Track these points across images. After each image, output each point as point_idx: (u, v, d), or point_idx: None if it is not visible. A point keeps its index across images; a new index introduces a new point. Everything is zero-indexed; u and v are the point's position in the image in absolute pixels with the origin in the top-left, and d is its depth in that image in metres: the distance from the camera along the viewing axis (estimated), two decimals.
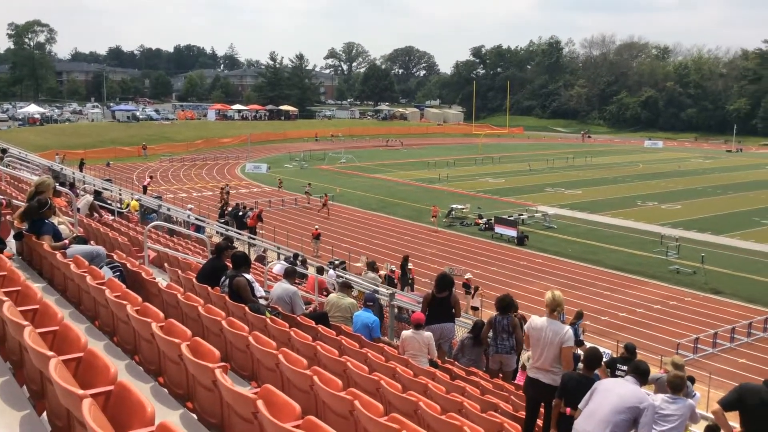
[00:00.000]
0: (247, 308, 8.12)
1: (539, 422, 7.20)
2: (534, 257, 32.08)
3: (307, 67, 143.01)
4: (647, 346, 20.35)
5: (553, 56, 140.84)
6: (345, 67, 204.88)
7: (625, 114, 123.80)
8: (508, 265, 30.66)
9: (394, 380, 6.95)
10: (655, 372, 10.17)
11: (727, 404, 6.45)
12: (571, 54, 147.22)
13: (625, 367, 10.00)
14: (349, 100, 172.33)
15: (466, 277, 24.32)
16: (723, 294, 26.58)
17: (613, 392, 5.91)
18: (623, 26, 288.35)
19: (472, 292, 23.12)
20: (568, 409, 6.39)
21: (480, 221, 38.53)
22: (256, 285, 10.32)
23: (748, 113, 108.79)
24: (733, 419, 6.59)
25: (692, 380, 11.79)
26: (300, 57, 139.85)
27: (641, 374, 6.19)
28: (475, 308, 22.32)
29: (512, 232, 35.23)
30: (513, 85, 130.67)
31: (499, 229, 36.09)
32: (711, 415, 7.06)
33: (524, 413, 7.47)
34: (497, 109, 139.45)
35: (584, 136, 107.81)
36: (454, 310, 10.20)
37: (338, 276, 16.98)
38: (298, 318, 9.29)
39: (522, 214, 40.53)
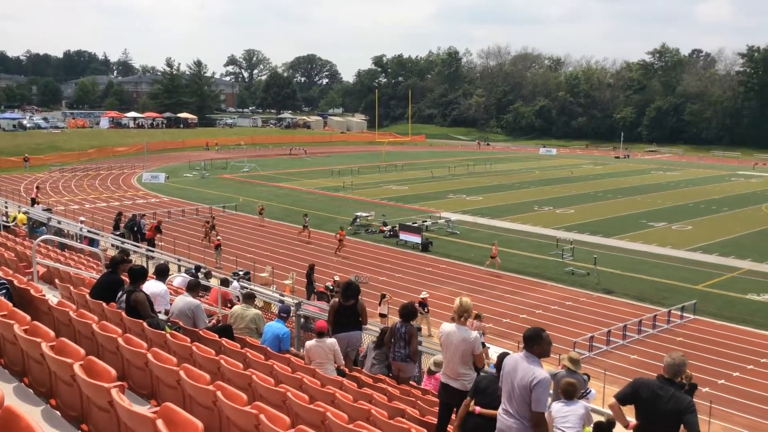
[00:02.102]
0: (145, 324, 7.79)
1: (450, 429, 7.28)
2: (438, 263, 32.63)
3: (206, 74, 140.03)
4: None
5: (452, 66, 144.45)
6: (246, 74, 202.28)
7: (521, 122, 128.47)
8: (413, 272, 31.03)
9: (301, 391, 6.86)
10: (552, 369, 10.52)
11: (622, 398, 6.72)
12: (469, 64, 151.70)
13: None
14: (250, 108, 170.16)
15: (422, 296, 23.85)
16: (615, 293, 27.92)
17: (514, 375, 6.10)
18: (517, 38, 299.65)
19: (379, 300, 23.20)
20: (477, 408, 6.50)
21: (385, 228, 38.82)
22: (163, 298, 9.95)
23: (633, 121, 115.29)
24: (629, 413, 6.90)
25: (588, 377, 12.28)
26: (198, 63, 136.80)
27: (531, 340, 6.30)
28: (383, 315, 22.42)
29: (417, 239, 35.70)
30: (414, 94, 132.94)
31: (403, 236, 36.49)
32: (608, 410, 7.35)
33: (432, 418, 7.55)
34: (400, 117, 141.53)
35: (480, 144, 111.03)
36: (361, 318, 10.18)
37: (242, 287, 16.63)
38: (201, 332, 9.01)
39: (426, 221, 41.16)
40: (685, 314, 24.77)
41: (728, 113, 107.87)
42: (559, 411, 6.95)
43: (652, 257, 33.97)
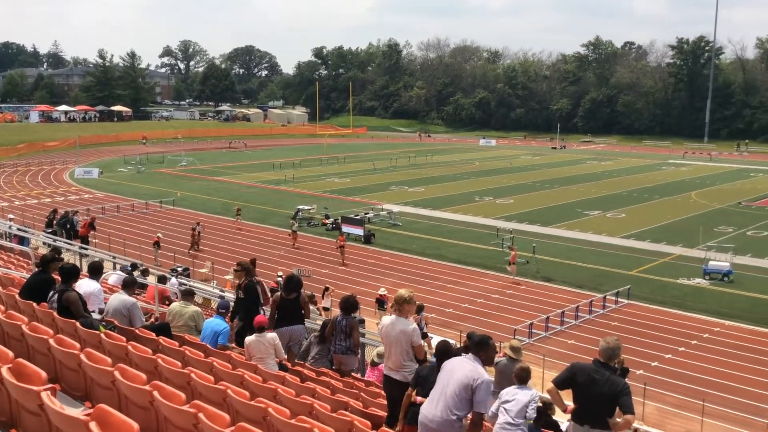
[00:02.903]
0: (78, 324, 7.54)
1: None
2: (381, 255, 32.72)
3: (140, 66, 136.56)
4: (488, 334, 21.40)
5: (392, 58, 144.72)
6: (182, 66, 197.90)
7: (461, 114, 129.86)
8: (356, 264, 31.04)
9: (242, 388, 6.77)
10: (497, 357, 10.70)
11: (560, 382, 6.89)
12: (410, 56, 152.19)
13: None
14: (187, 101, 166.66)
15: (380, 293, 23.60)
16: (553, 281, 28.57)
17: (452, 375, 6.10)
18: (456, 30, 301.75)
19: (322, 293, 23.12)
20: (419, 398, 6.55)
21: (327, 221, 38.69)
22: (96, 297, 9.67)
23: (569, 112, 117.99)
24: (567, 397, 7.07)
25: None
26: (132, 55, 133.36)
27: (480, 345, 6.35)
28: (326, 309, 22.34)
29: (359, 231, 35.72)
30: (355, 86, 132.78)
31: (346, 229, 36.41)
32: (546, 395, 7.51)
33: (375, 409, 7.57)
34: (341, 110, 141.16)
35: (421, 136, 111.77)
36: (303, 312, 10.11)
37: (181, 284, 16.31)
38: (137, 331, 8.79)
39: (368, 213, 41.20)
40: (619, 299, 25.54)
41: (659, 104, 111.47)
42: (508, 393, 7.08)
43: (589, 245, 34.88)
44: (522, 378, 7.29)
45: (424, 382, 6.58)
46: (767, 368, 19.68)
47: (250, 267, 11.25)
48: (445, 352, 6.95)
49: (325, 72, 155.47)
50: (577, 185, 55.94)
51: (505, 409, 6.99)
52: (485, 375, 6.10)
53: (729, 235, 36.74)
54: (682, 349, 21.31)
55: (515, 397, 7.03)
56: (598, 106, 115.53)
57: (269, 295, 11.16)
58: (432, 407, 6.13)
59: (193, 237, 32.62)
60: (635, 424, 7.21)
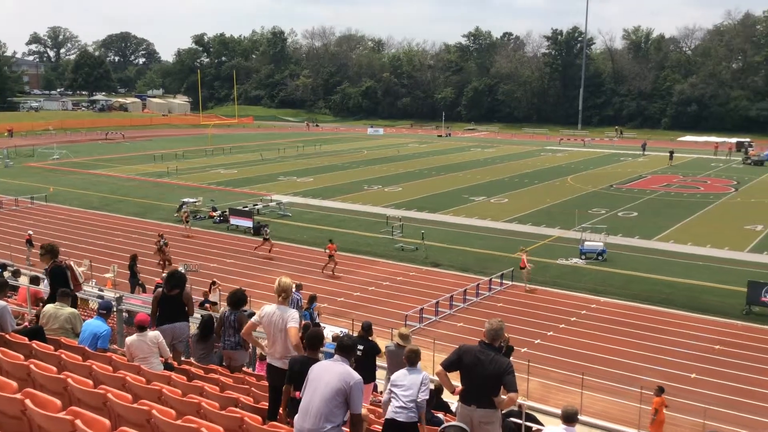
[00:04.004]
0: None
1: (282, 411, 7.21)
2: (196, 233, 32.24)
3: (5, 54, 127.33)
4: (381, 321, 21.66)
5: (277, 46, 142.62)
6: (52, 54, 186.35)
7: (348, 103, 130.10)
8: (245, 256, 30.48)
9: (124, 391, 6.46)
10: (388, 343, 10.83)
11: (448, 365, 7.04)
12: (295, 44, 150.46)
13: (362, 346, 10.51)
14: (59, 90, 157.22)
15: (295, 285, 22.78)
16: (442, 266, 29.26)
17: (321, 381, 5.89)
18: (341, 18, 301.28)
19: (209, 288, 22.51)
20: (297, 393, 6.41)
21: (214, 214, 37.76)
22: None
23: (453, 101, 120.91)
24: (456, 379, 7.24)
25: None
26: None
27: (346, 350, 6.25)
28: (213, 303, 21.76)
29: (248, 223, 35.10)
30: (240, 75, 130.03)
31: (234, 221, 35.73)
32: (436, 377, 7.66)
33: (267, 404, 7.45)
34: (225, 99, 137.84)
35: (309, 125, 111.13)
36: (187, 309, 9.78)
37: None
38: (8, 336, 8.20)
39: (257, 204, 40.56)
40: (504, 281, 26.53)
41: (536, 93, 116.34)
42: (398, 377, 7.14)
43: (474, 230, 35.97)
44: (412, 360, 7.38)
45: (298, 376, 6.41)
46: (640, 341, 21.09)
47: (56, 249, 10.33)
48: (316, 339, 6.74)
49: (207, 60, 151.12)
50: (463, 172, 57.49)
51: (396, 393, 7.06)
52: (357, 375, 5.98)
53: (602, 216, 38.97)
54: (563, 326, 22.43)
55: (405, 380, 7.11)
56: (480, 95, 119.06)
57: (80, 279, 10.59)
58: (303, 419, 5.86)
59: (163, 253, 28.36)
60: (519, 400, 7.47)
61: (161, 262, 28.05)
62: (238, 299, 9.39)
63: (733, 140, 77.26)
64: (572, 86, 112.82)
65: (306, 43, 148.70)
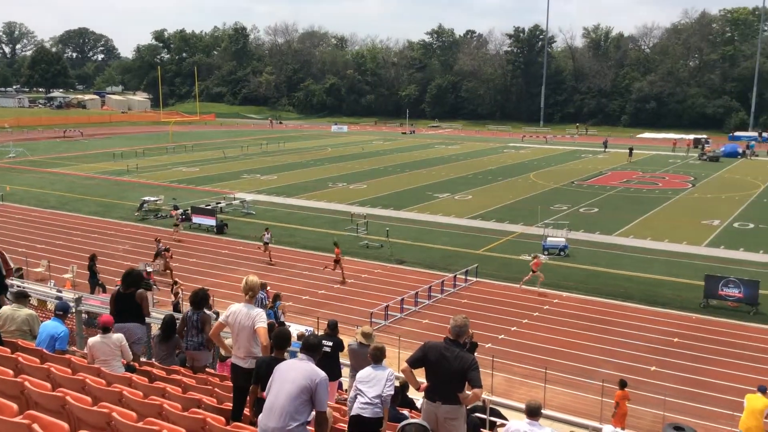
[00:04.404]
0: None
1: (247, 412, 7.15)
2: (235, 245, 31.99)
3: None
4: (346, 319, 21.62)
5: (239, 42, 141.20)
6: (7, 50, 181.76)
7: (312, 100, 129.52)
8: (208, 255, 30.14)
9: (84, 393, 6.33)
10: (351, 341, 10.81)
11: (413, 362, 7.05)
12: (257, 41, 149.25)
13: (330, 343, 10.48)
14: (14, 87, 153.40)
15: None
16: (407, 263, 29.31)
17: (286, 379, 5.90)
18: (303, 15, 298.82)
19: (171, 288, 22.22)
20: (264, 393, 6.39)
21: (176, 213, 37.21)
22: None
23: (417, 98, 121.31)
24: (421, 375, 7.26)
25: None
26: None
27: (311, 349, 6.25)
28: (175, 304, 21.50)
29: (211, 221, 34.72)
30: (201, 71, 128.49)
31: (197, 219, 35.30)
32: (401, 374, 7.67)
33: (230, 404, 7.37)
34: (186, 96, 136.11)
35: (272, 122, 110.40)
36: (142, 309, 9.60)
37: (13, 285, 15.00)
38: None
39: (220, 202, 40.13)
40: (468, 277, 26.71)
41: (499, 90, 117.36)
42: (364, 374, 7.15)
43: (439, 226, 36.13)
44: (377, 357, 7.39)
45: (265, 377, 6.36)
46: (601, 334, 21.44)
47: None
48: (283, 338, 6.67)
49: (168, 56, 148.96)
50: (427, 169, 57.69)
51: (361, 390, 7.06)
52: (322, 373, 6.00)
53: (564, 212, 39.49)
54: (526, 321, 22.67)
55: (371, 377, 7.11)
56: (443, 92, 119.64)
57: (11, 265, 10.44)
58: (268, 417, 5.84)
59: (163, 259, 26.65)
60: (483, 396, 7.54)
61: (164, 270, 26.35)
62: (200, 299, 9.27)
63: (691, 137, 78.99)
64: (534, 84, 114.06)
65: (268, 40, 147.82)
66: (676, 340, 21.03)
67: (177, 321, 9.94)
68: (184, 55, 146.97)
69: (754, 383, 15.22)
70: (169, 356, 9.96)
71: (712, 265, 27.92)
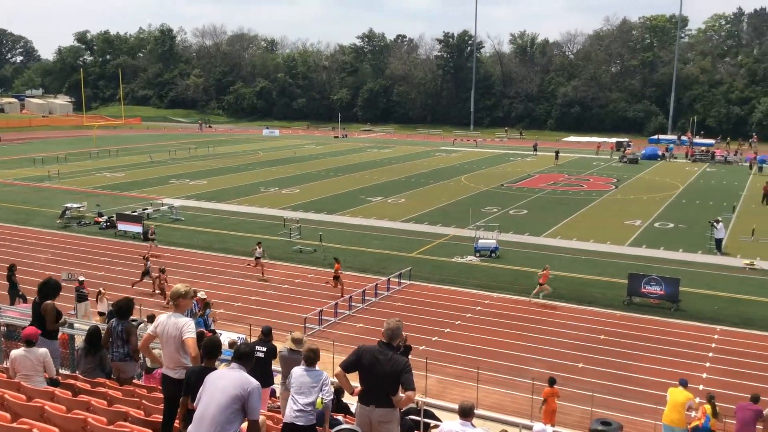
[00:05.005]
0: None
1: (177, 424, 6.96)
2: (163, 251, 31.18)
3: None
4: (280, 325, 21.38)
5: (165, 44, 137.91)
6: None
7: (242, 104, 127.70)
8: (135, 263, 29.21)
9: (2, 409, 6.04)
10: (281, 347, 10.68)
11: (347, 366, 7.04)
12: (184, 43, 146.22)
13: (264, 349, 10.33)
14: None
15: (199, 296, 20.19)
16: (340, 267, 29.19)
17: (217, 388, 5.81)
18: (232, 17, 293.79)
19: (96, 297, 21.47)
20: (194, 404, 6.26)
21: (100, 219, 36.08)
22: None
23: (349, 102, 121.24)
24: (355, 379, 7.24)
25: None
26: None
27: (243, 357, 6.17)
28: (101, 314, 20.79)
29: (137, 228, 33.79)
30: (126, 74, 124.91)
31: (122, 226, 34.31)
32: (335, 379, 7.63)
33: (158, 416, 7.17)
34: (111, 99, 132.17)
35: (201, 126, 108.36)
36: (48, 323, 9.22)
37: None
38: None
39: (147, 209, 39.07)
40: (402, 280, 26.85)
41: (430, 94, 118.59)
42: (297, 380, 7.08)
43: (372, 230, 36.21)
44: (309, 360, 7.32)
45: (194, 387, 6.22)
46: (531, 333, 21.92)
47: None
48: (213, 347, 6.55)
49: (91, 58, 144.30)
50: (360, 173, 57.76)
51: (294, 397, 6.99)
52: (254, 381, 5.93)
53: (495, 214, 40.22)
54: (459, 322, 22.96)
55: (304, 383, 7.05)
56: (375, 96, 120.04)
57: None
58: (198, 428, 5.73)
59: (160, 282, 24.48)
60: (417, 397, 7.60)
61: (157, 292, 24.63)
62: (125, 308, 8.98)
63: (613, 140, 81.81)
64: (464, 88, 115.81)
65: (196, 42, 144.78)
66: (602, 337, 21.71)
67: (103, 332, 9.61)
68: (108, 57, 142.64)
69: (676, 377, 15.86)
70: (94, 369, 9.61)
71: (635, 264, 28.96)
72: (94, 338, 9.56)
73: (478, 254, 30.89)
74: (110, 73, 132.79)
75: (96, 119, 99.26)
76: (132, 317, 9.54)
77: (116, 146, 73.58)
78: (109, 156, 66.71)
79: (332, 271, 25.94)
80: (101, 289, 21.95)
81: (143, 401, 8.01)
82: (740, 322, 23.00)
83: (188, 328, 7.03)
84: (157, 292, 24.75)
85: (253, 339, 15.19)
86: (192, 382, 6.35)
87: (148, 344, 7.71)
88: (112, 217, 35.65)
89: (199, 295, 19.72)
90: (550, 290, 24.95)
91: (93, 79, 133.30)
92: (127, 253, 30.70)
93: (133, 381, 9.72)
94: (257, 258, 27.90)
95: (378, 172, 58.27)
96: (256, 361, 6.83)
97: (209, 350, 6.54)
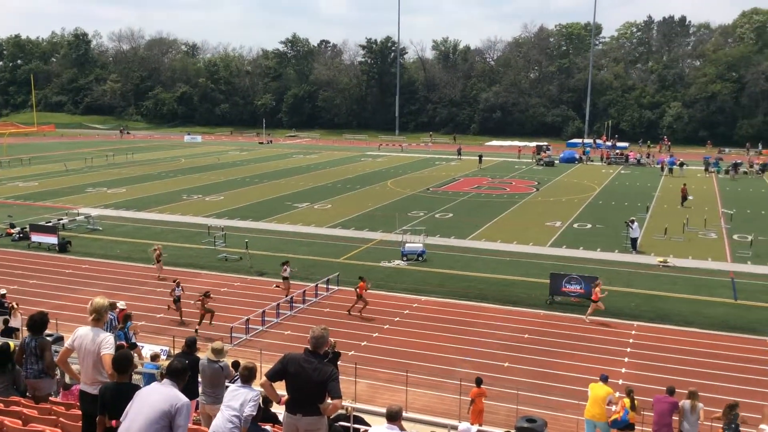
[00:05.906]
0: None
1: None
2: (79, 263, 30.05)
3: None
4: (205, 335, 21.00)
5: (80, 49, 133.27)
6: None
7: (162, 109, 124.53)
8: (50, 276, 28.09)
9: None
10: (203, 356, 10.46)
11: (273, 375, 6.96)
12: (100, 47, 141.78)
13: (187, 361, 10.07)
14: None
15: (119, 306, 19.21)
16: (267, 274, 28.87)
17: (145, 403, 5.70)
18: (149, 22, 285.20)
19: (9, 312, 20.45)
20: (114, 422, 6.06)
21: (12, 231, 34.45)
22: None
23: (274, 108, 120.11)
24: (281, 388, 7.15)
25: (237, 364, 12.48)
26: None
27: (175, 374, 6.05)
28: (15, 329, 19.81)
29: (52, 239, 32.43)
30: (38, 79, 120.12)
31: (36, 238, 32.86)
32: (261, 389, 7.54)
33: None
34: (22, 106, 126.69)
35: (122, 132, 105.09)
36: None
37: None
38: None
39: (62, 219, 37.56)
40: (330, 286, 26.77)
41: (355, 99, 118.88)
42: (229, 393, 7.00)
43: (299, 236, 35.96)
44: (245, 377, 7.25)
45: (111, 404, 6.01)
46: (458, 335, 22.24)
47: None
48: (125, 361, 6.36)
49: (1, 63, 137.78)
50: (285, 179, 57.28)
51: (222, 408, 6.91)
52: (184, 398, 5.81)
53: (421, 218, 40.66)
54: (387, 326, 23.07)
55: (234, 396, 6.97)
56: (300, 102, 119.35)
57: None
58: None
59: (204, 306, 22.27)
60: (347, 403, 7.60)
61: (205, 320, 22.34)
62: (39, 323, 8.60)
63: (533, 144, 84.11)
64: (389, 93, 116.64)
65: (113, 46, 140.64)
66: (526, 336, 22.24)
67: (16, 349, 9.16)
68: (19, 62, 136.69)
69: (597, 373, 16.43)
70: (7, 388, 9.14)
71: (556, 264, 29.82)
72: (3, 356, 9.09)
73: (405, 258, 31.12)
74: (21, 79, 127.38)
75: (6, 127, 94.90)
76: (47, 332, 9.16)
77: (28, 154, 70.48)
78: (21, 165, 63.87)
79: (258, 279, 25.52)
80: (14, 303, 20.93)
81: (61, 419, 7.69)
82: (656, 318, 24.00)
83: (106, 344, 6.81)
84: (205, 315, 22.32)
85: (177, 351, 14.83)
86: (107, 399, 6.15)
87: (65, 358, 7.42)
88: (25, 228, 34.11)
89: (119, 305, 19.19)
90: (603, 308, 23.46)
91: (3, 85, 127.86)
92: (41, 266, 29.41)
93: (50, 398, 9.32)
94: (285, 278, 25.76)
95: (304, 178, 57.94)
96: None
97: (118, 365, 6.33)
